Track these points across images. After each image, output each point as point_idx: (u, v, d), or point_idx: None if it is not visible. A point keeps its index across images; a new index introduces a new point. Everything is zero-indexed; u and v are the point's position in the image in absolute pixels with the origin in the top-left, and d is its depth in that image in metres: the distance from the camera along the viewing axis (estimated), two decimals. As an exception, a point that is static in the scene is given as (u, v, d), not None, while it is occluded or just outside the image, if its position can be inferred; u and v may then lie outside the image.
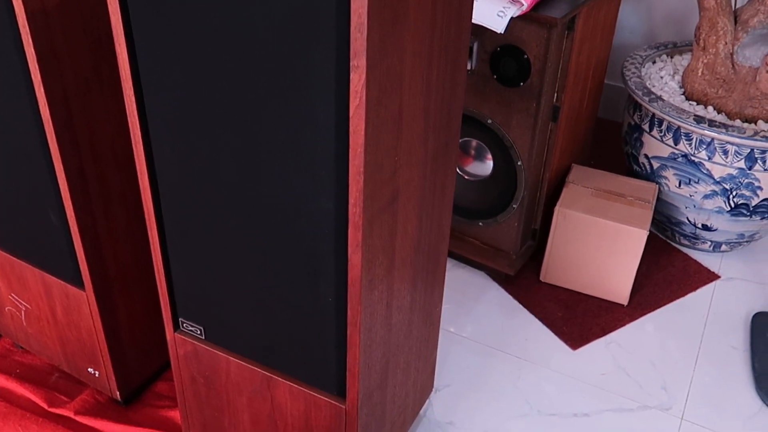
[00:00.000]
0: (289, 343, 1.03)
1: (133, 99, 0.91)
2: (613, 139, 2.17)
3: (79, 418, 1.35)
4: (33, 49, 0.97)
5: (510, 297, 1.70)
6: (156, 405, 1.39)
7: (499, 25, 1.35)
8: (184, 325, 1.12)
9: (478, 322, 1.62)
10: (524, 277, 1.74)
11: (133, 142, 0.95)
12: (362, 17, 0.72)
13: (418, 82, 0.88)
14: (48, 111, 1.02)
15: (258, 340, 1.06)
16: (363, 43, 0.73)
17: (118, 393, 1.34)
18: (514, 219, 1.66)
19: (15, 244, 1.26)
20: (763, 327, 1.60)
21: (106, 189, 1.15)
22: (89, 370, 1.35)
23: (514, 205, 1.63)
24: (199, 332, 1.11)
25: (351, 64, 0.75)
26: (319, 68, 0.76)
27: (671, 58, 1.88)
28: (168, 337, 1.16)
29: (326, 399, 1.05)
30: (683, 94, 1.74)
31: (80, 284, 1.21)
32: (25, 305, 1.35)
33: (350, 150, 0.80)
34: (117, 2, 0.84)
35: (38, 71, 0.98)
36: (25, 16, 0.94)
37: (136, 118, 0.92)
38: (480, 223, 1.70)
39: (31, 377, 1.43)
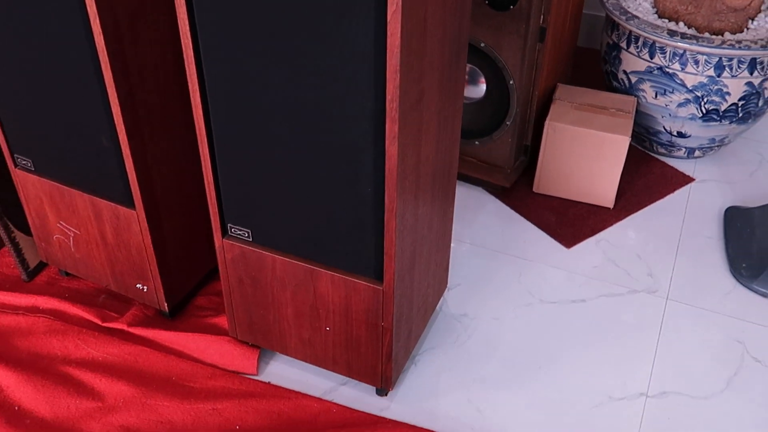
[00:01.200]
0: (331, 236, 1.18)
1: (187, 21, 1.03)
2: (591, 64, 2.32)
3: (132, 330, 1.49)
4: (89, -17, 1.08)
5: (507, 207, 1.86)
6: (199, 315, 1.54)
7: (491, -49, 1.48)
8: (233, 230, 1.26)
9: (480, 231, 1.79)
10: (519, 190, 1.90)
11: (185, 60, 1.07)
12: (399, -69, 0.85)
13: (439, -8, 1.02)
14: (102, 40, 1.14)
15: (301, 236, 1.21)
16: (399, -47, 0.86)
17: (165, 305, 1.48)
18: (507, 135, 1.81)
19: (66, 172, 1.38)
20: (734, 218, 1.78)
21: (151, 114, 1.28)
22: (138, 286, 1.48)
23: (507, 122, 1.78)
24: (246, 235, 1.26)
25: (389, -28, 0.88)
26: (361, -21, 0.90)
27: (643, -19, 2.03)
28: (216, 244, 1.30)
29: (365, 283, 1.20)
30: (656, 12, 1.89)
31: (131, 204, 1.34)
32: (74, 231, 1.48)
33: (388, 50, 0.94)
34: (173, -67, 0.97)
35: (93, 4, 1.10)
36: (82, -47, 1.06)
37: (189, 38, 1.05)
38: (476, 142, 1.85)
39: (80, 299, 1.57)
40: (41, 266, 1.65)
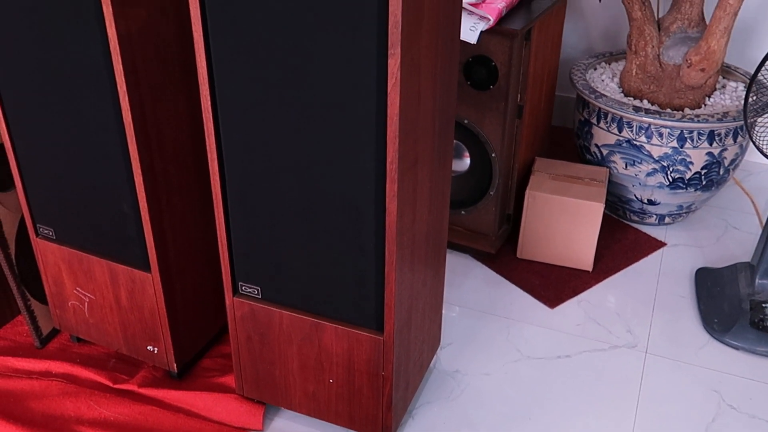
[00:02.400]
0: (335, 289, 1.29)
1: (207, 81, 1.17)
2: (564, 139, 2.49)
3: (142, 390, 1.56)
4: (120, 65, 1.23)
5: (493, 272, 1.98)
6: (206, 376, 1.61)
7: (472, 38, 1.66)
8: (243, 287, 1.37)
9: (469, 294, 1.90)
10: (503, 255, 2.03)
11: (205, 126, 1.20)
12: (397, 17, 1.00)
13: (430, 69, 1.17)
14: (129, 115, 1.27)
15: (307, 290, 1.31)
16: (398, 36, 1.01)
17: (175, 365, 1.56)
18: (491, 204, 1.95)
19: (85, 239, 1.48)
20: (704, 278, 1.91)
21: (169, 182, 1.40)
22: (149, 347, 1.57)
23: (491, 192, 1.93)
24: (256, 292, 1.36)
25: (389, 52, 1.03)
26: (364, 56, 1.04)
27: (609, 64, 2.23)
28: (227, 303, 1.40)
29: (367, 334, 1.30)
30: (622, 92, 2.07)
31: (147, 267, 1.45)
32: (89, 296, 1.57)
33: (388, 118, 1.08)
34: (198, 12, 1.12)
35: (123, 83, 1.24)
36: (116, 39, 1.20)
37: (209, 101, 1.18)
38: (462, 212, 1.99)
39: (91, 363, 1.64)
40: (53, 333, 1.72)
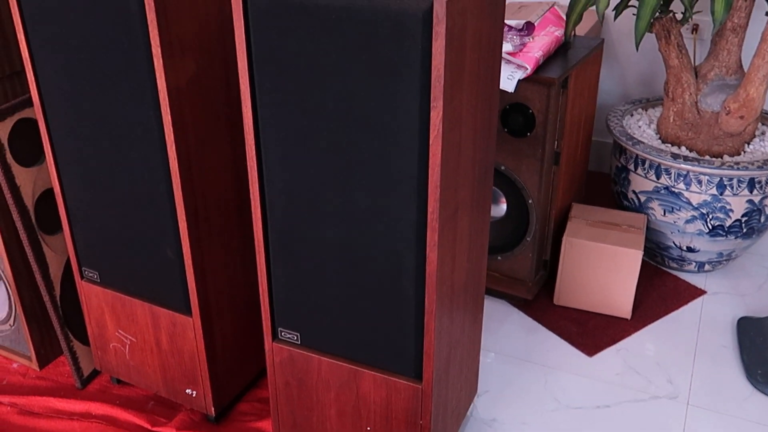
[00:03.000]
0: (374, 337, 1.29)
1: (252, 131, 1.20)
2: (601, 185, 2.49)
3: (180, 433, 1.57)
4: (169, 116, 1.26)
5: (529, 318, 1.96)
6: (243, 420, 1.62)
7: (509, 86, 1.68)
8: (282, 333, 1.38)
9: (505, 340, 1.88)
10: (540, 302, 2.02)
11: (249, 174, 1.23)
12: (440, 71, 1.02)
13: (470, 119, 1.19)
14: (176, 164, 1.30)
15: (347, 337, 1.32)
16: (440, 90, 1.03)
17: (213, 409, 1.57)
18: (528, 250, 1.94)
19: (129, 282, 1.51)
20: (747, 328, 1.87)
21: (211, 228, 1.43)
22: (187, 391, 1.58)
23: (527, 239, 1.93)
24: (295, 338, 1.37)
25: (431, 104, 1.05)
26: (407, 109, 1.06)
27: (645, 110, 2.23)
28: (266, 348, 1.41)
29: (405, 382, 1.30)
30: (659, 138, 2.07)
31: (188, 312, 1.47)
32: (131, 339, 1.59)
33: (430, 168, 1.10)
34: (246, 65, 1.15)
35: (171, 133, 1.28)
36: (166, 91, 1.24)
37: (253, 150, 1.21)
38: (499, 257, 1.99)
39: (130, 406, 1.66)
40: (94, 374, 1.75)
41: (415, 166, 1.11)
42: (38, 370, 1.78)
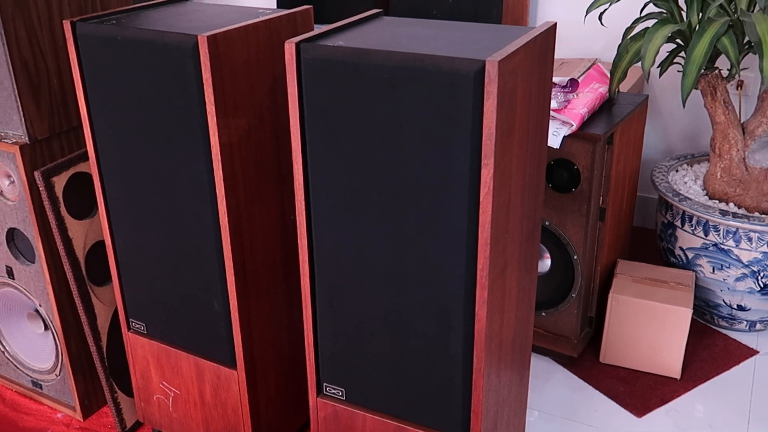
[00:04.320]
0: (420, 394, 1.28)
1: (302, 187, 1.21)
2: (646, 241, 2.45)
3: (221, 489, 1.56)
4: (221, 172, 1.29)
5: (575, 376, 1.92)
6: (284, 476, 1.60)
7: (555, 142, 1.68)
8: (327, 388, 1.37)
9: (550, 399, 1.85)
10: (585, 360, 1.98)
11: (298, 230, 1.24)
12: (491, 129, 1.03)
13: (520, 177, 1.19)
14: (226, 218, 1.32)
15: (392, 393, 1.31)
16: (492, 147, 1.04)
17: (254, 464, 1.56)
18: (573, 307, 1.91)
19: (175, 334, 1.52)
20: (803, 390, 1.81)
21: (258, 281, 1.44)
22: (229, 445, 1.57)
23: (573, 295, 1.90)
24: (340, 393, 1.36)
25: (482, 162, 1.05)
26: (457, 166, 1.07)
27: (691, 166, 2.21)
28: (311, 403, 1.40)
29: (452, 441, 1.28)
30: (706, 194, 2.04)
31: (233, 365, 1.47)
32: (174, 391, 1.59)
33: (480, 226, 1.10)
34: (298, 133, 1.17)
35: (223, 188, 1.30)
36: (219, 148, 1.27)
37: (303, 205, 1.22)
38: (543, 313, 1.96)
39: (172, 459, 1.66)
40: (136, 426, 1.75)
41: (464, 224, 1.11)
42: (81, 420, 1.79)
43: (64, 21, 1.34)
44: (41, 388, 1.86)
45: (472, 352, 1.19)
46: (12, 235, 1.68)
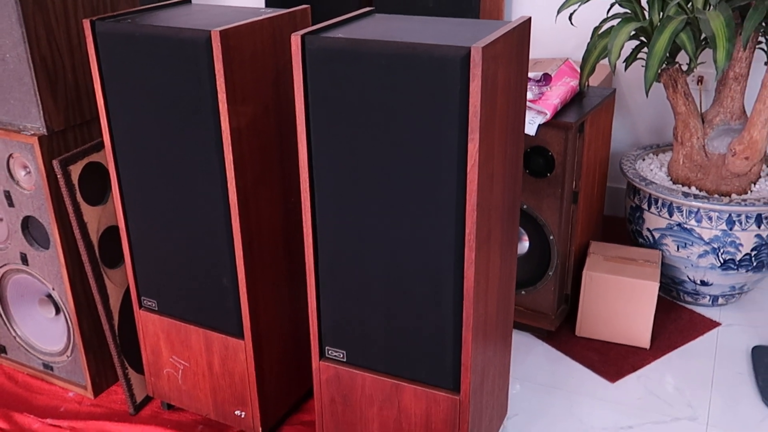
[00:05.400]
0: (415, 352, 1.41)
1: (307, 167, 1.35)
2: (615, 228, 2.62)
3: (229, 453, 1.68)
4: (231, 155, 1.42)
5: (553, 349, 2.07)
6: (287, 441, 1.73)
7: (531, 130, 1.83)
8: (329, 351, 1.50)
9: (531, 369, 1.99)
10: (562, 334, 2.13)
11: (302, 206, 1.37)
12: (476, 108, 1.18)
13: (501, 153, 1.33)
14: (236, 199, 1.45)
15: (388, 354, 1.44)
16: (477, 123, 1.18)
17: (260, 429, 1.68)
18: (550, 284, 2.07)
19: (185, 309, 1.65)
20: (761, 355, 1.98)
21: (263, 257, 1.57)
22: (236, 412, 1.69)
23: (549, 273, 2.05)
24: (341, 356, 1.49)
25: (469, 137, 1.20)
26: (447, 141, 1.21)
27: (656, 155, 2.38)
28: (314, 366, 1.53)
29: (444, 394, 1.41)
30: (670, 180, 2.21)
31: (240, 335, 1.59)
32: (184, 364, 1.71)
33: (467, 194, 1.24)
34: (303, 116, 1.31)
35: (232, 169, 1.43)
36: (229, 132, 1.40)
37: (308, 184, 1.35)
38: (522, 292, 2.11)
39: (180, 429, 1.77)
40: (146, 401, 1.87)
41: (454, 193, 1.25)
42: (93, 398, 1.90)
43: (83, 20, 1.47)
44: (52, 369, 1.97)
45: (462, 310, 1.33)
46: (27, 223, 1.79)
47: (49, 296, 1.87)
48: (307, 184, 1.36)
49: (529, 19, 1.39)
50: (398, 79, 1.21)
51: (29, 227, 1.80)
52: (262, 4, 2.96)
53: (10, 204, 1.77)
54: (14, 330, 1.99)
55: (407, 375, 1.44)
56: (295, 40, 1.26)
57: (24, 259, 1.83)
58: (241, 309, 1.56)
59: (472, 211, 1.25)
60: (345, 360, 1.49)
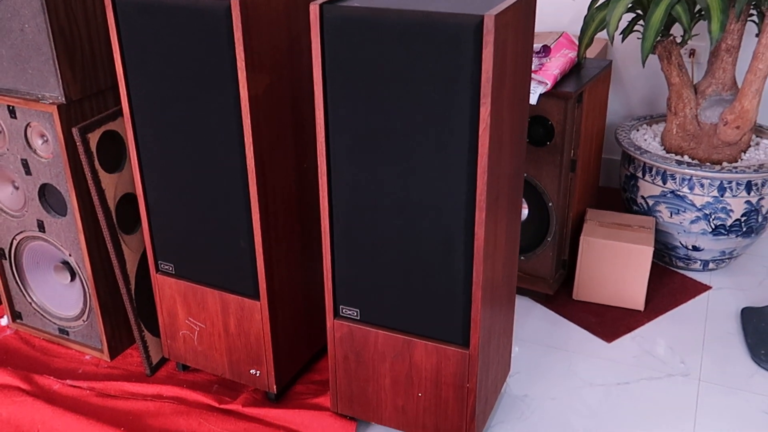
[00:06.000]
0: (426, 309, 1.49)
1: (323, 131, 1.41)
2: (610, 198, 2.70)
3: (246, 410, 1.75)
4: (249, 120, 1.48)
5: (551, 312, 2.16)
6: (300, 398, 1.80)
7: (532, 99, 1.90)
8: (343, 310, 1.57)
9: (531, 331, 2.07)
10: (560, 298, 2.21)
11: (318, 169, 1.44)
12: (489, 73, 1.24)
13: (509, 119, 1.40)
14: (253, 163, 1.51)
15: (401, 311, 1.51)
16: (489, 88, 1.25)
17: (275, 387, 1.76)
18: (549, 250, 2.14)
19: (202, 273, 1.71)
20: (750, 316, 2.07)
21: (277, 220, 1.63)
22: (251, 371, 1.76)
23: (548, 239, 2.13)
24: (355, 314, 1.56)
25: (481, 101, 1.26)
26: (460, 105, 1.28)
27: (650, 126, 2.45)
28: (328, 325, 1.60)
29: (454, 349, 1.49)
30: (664, 149, 2.28)
31: (256, 296, 1.66)
32: (200, 325, 1.78)
33: (479, 156, 1.31)
34: (321, 82, 1.37)
35: (250, 135, 1.49)
36: (247, 99, 1.46)
37: (324, 147, 1.42)
38: (522, 257, 2.19)
39: (197, 388, 1.84)
40: (161, 363, 1.93)
41: (465, 155, 1.31)
42: (109, 360, 1.96)
43: (103, -10, 1.51)
44: (68, 334, 2.03)
45: (472, 267, 1.40)
46: (43, 190, 1.84)
47: (65, 263, 1.93)
48: (324, 146, 1.42)
49: (536, -11, 1.45)
50: (413, 46, 1.27)
51: (45, 195, 1.85)
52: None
53: (27, 172, 1.82)
54: (30, 296, 2.04)
55: (419, 331, 1.52)
56: (314, 9, 1.32)
57: (41, 226, 1.88)
58: (257, 271, 1.63)
59: (483, 172, 1.31)
60: (358, 318, 1.56)
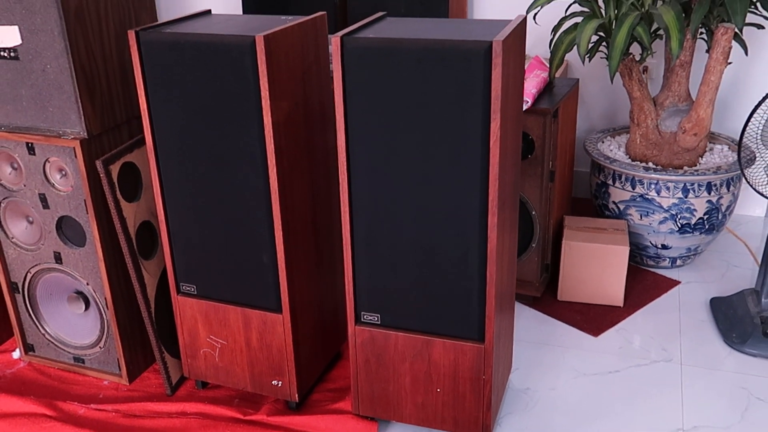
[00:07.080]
0: (443, 309, 1.63)
1: (344, 149, 1.55)
2: (580, 206, 2.90)
3: (270, 419, 1.85)
4: (272, 145, 1.60)
5: (539, 313, 2.32)
6: (320, 404, 1.91)
7: (515, 116, 2.07)
8: (365, 316, 1.70)
9: (523, 331, 2.23)
10: (546, 300, 2.38)
11: (340, 184, 1.57)
12: (497, 91, 1.40)
13: (512, 131, 1.56)
14: (276, 185, 1.64)
15: (420, 313, 1.65)
16: (498, 105, 1.41)
17: (297, 395, 1.86)
18: (534, 255, 2.31)
19: (224, 291, 1.81)
20: (718, 304, 2.27)
21: (296, 238, 1.75)
22: (273, 382, 1.87)
23: (533, 245, 2.30)
24: (376, 319, 1.69)
25: (491, 117, 1.42)
26: (473, 121, 1.43)
27: (613, 137, 2.66)
28: (350, 331, 1.72)
29: (470, 344, 1.63)
30: (629, 158, 2.49)
31: (278, 309, 1.77)
32: (221, 342, 1.88)
33: (490, 166, 1.46)
34: (342, 106, 1.51)
35: (273, 158, 1.61)
36: (271, 125, 1.58)
37: (345, 164, 1.55)
38: (509, 264, 2.35)
39: (218, 402, 1.93)
40: (180, 382, 2.02)
41: (478, 166, 1.47)
42: (128, 384, 2.04)
43: (128, 31, 1.63)
44: (83, 362, 2.09)
45: (486, 266, 1.55)
46: (60, 223, 1.92)
47: (79, 292, 2.00)
48: (345, 166, 1.56)
49: (526, 17, 1.62)
50: (429, 70, 1.42)
51: (62, 227, 1.93)
52: (239, 9, 3.12)
53: (45, 206, 1.90)
54: (44, 327, 2.10)
55: (436, 330, 1.65)
56: (336, 40, 1.46)
57: (58, 258, 1.96)
58: (280, 285, 1.74)
59: (494, 180, 1.47)
60: (379, 323, 1.69)
